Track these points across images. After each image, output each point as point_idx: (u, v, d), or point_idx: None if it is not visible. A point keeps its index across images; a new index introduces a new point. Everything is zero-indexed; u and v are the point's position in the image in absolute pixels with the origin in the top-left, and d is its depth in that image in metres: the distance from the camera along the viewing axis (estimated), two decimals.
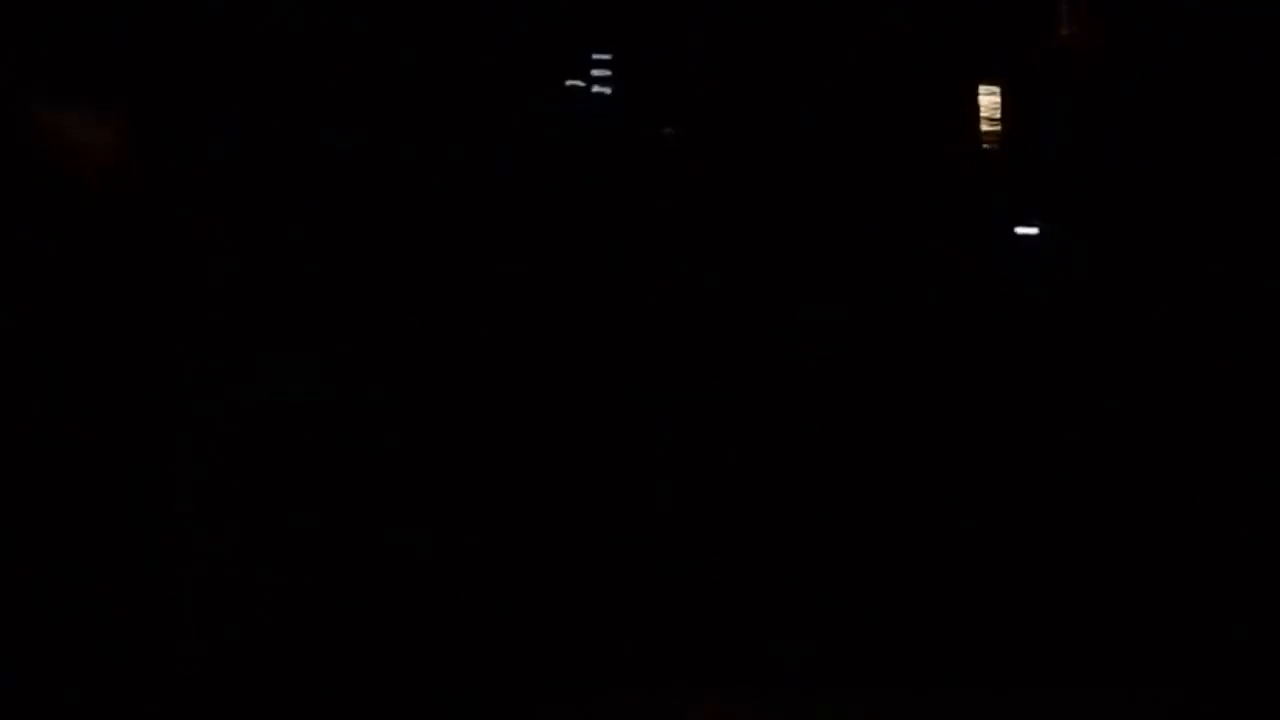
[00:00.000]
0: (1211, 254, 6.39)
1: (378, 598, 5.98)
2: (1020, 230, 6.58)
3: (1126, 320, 6.42)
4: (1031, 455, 6.38)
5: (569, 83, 6.63)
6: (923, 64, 6.58)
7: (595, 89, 6.63)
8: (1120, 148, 6.49)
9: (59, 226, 5.91)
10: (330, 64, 6.18)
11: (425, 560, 6.05)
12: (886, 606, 6.26)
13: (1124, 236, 6.49)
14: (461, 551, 6.12)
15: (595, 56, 6.65)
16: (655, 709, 5.86)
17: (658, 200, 6.55)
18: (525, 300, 6.38)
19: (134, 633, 5.73)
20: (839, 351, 6.47)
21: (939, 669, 6.10)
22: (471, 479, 6.19)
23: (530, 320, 6.37)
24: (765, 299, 6.50)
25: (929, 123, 6.60)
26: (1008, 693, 5.95)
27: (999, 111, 6.62)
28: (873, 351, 6.47)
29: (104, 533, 5.77)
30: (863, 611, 6.23)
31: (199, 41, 6.04)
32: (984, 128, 6.63)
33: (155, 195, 6.05)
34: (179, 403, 5.95)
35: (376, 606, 5.97)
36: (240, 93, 6.09)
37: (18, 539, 5.69)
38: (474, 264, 6.37)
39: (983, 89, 6.63)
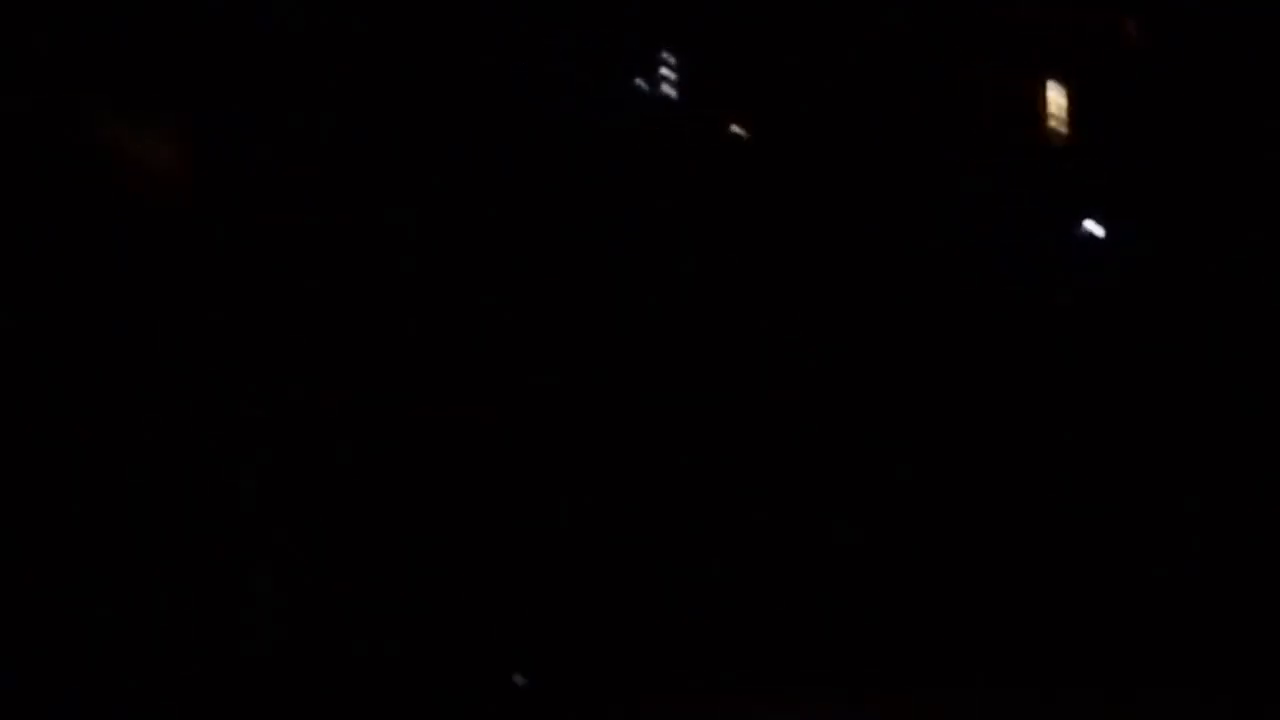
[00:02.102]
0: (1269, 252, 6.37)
1: (388, 601, 6.00)
2: (1083, 227, 6.58)
3: (1179, 318, 6.40)
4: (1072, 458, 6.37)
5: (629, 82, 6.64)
6: (990, 63, 6.58)
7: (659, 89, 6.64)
8: (1182, 147, 6.48)
9: (73, 230, 5.96)
10: (344, 66, 6.21)
11: (440, 565, 6.08)
12: (896, 609, 6.25)
13: (1185, 235, 6.48)
14: (473, 555, 6.15)
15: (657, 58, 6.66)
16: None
17: (718, 193, 6.56)
18: (551, 301, 6.39)
19: (146, 634, 5.77)
20: (885, 347, 6.46)
21: (945, 671, 6.09)
22: (487, 483, 6.21)
23: (558, 322, 6.39)
24: (828, 291, 6.49)
25: (994, 120, 6.60)
26: (1009, 692, 5.95)
27: (1065, 110, 6.62)
28: (923, 345, 6.47)
29: (114, 534, 5.81)
30: (872, 615, 6.23)
31: (205, 44, 6.09)
32: (1050, 125, 6.62)
33: (169, 200, 6.09)
34: (192, 407, 5.98)
35: (387, 610, 6.00)
36: (259, 96, 6.13)
37: (23, 539, 5.73)
38: (495, 264, 6.39)
39: (1049, 88, 6.62)
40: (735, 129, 6.73)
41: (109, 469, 5.84)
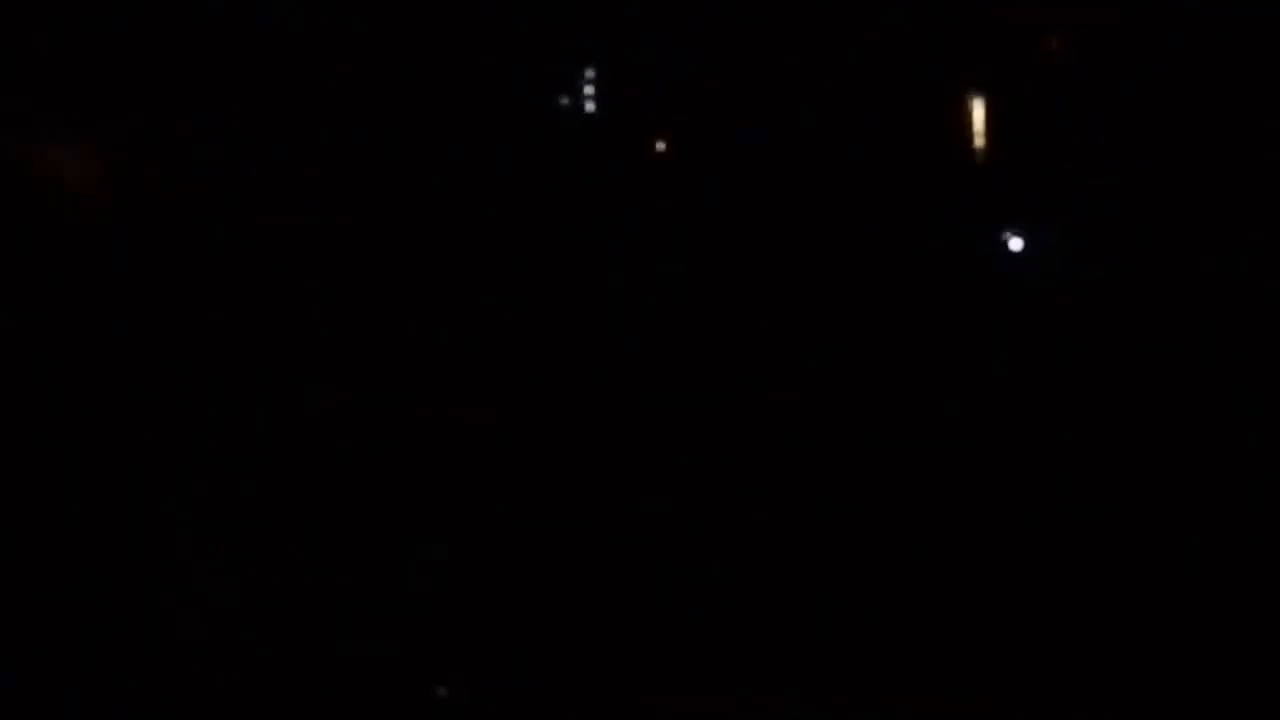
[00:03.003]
0: (1200, 260, 6.39)
1: (386, 601, 6.00)
2: (1007, 239, 6.59)
3: (1116, 329, 6.43)
4: (1016, 467, 6.39)
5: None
6: (910, 76, 6.59)
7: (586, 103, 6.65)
8: (1105, 156, 6.50)
9: (61, 231, 5.95)
10: (330, 65, 6.21)
11: (433, 567, 6.08)
12: (881, 613, 6.27)
13: (1108, 245, 6.50)
14: (469, 557, 6.16)
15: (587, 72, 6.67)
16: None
17: (647, 213, 6.58)
18: (527, 306, 6.40)
19: (135, 635, 5.75)
20: (833, 360, 6.48)
21: (948, 672, 6.11)
22: (477, 484, 6.22)
23: (533, 328, 6.40)
24: (760, 310, 6.52)
25: (916, 134, 6.61)
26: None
27: (984, 122, 6.62)
28: (867, 361, 6.48)
29: (104, 538, 5.80)
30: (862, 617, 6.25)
31: (200, 42, 6.08)
32: (971, 140, 6.63)
33: (155, 199, 6.08)
34: (179, 409, 5.97)
35: (385, 610, 6.00)
36: (241, 95, 6.12)
37: (21, 542, 5.72)
38: (474, 269, 6.40)
39: (970, 100, 6.63)
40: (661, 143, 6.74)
41: (105, 470, 5.85)
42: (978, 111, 6.66)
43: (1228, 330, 6.34)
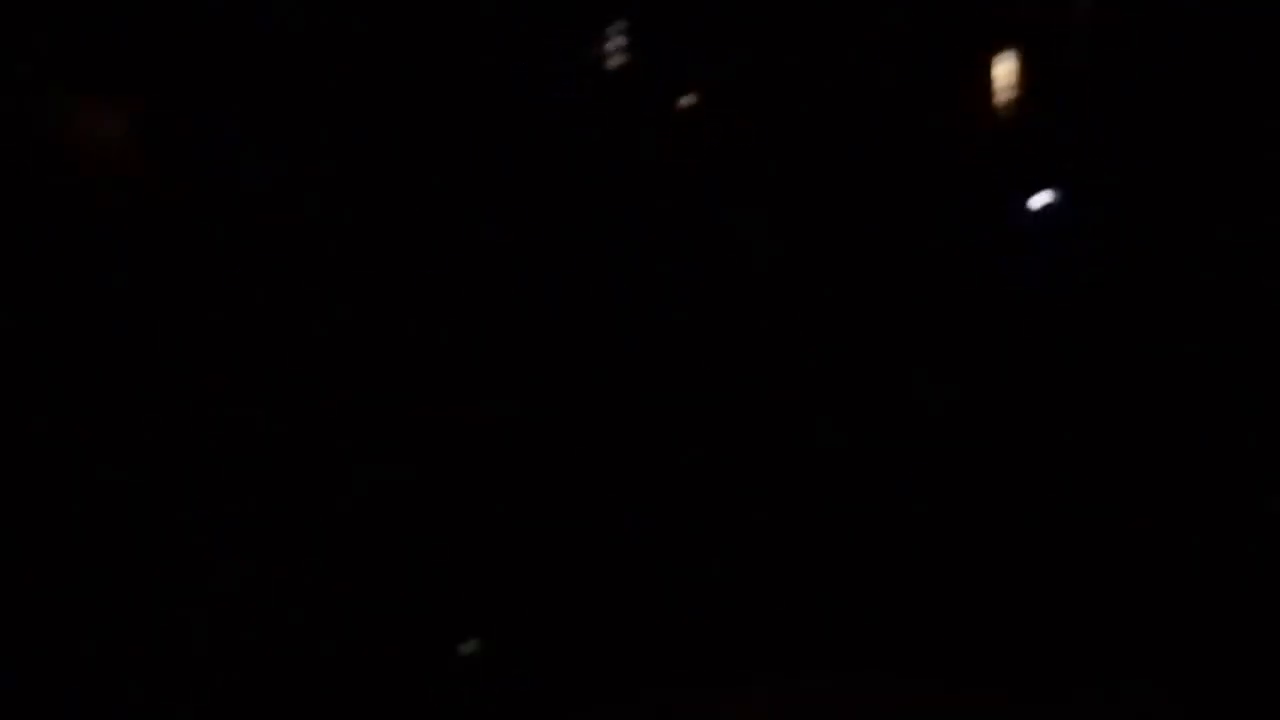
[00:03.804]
0: (1222, 232, 6.38)
1: (386, 602, 6.02)
2: (1033, 201, 6.55)
3: (1139, 301, 6.41)
4: (1037, 447, 6.37)
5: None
6: (939, 34, 6.56)
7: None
8: (1134, 120, 6.48)
9: (64, 228, 5.96)
10: (332, 62, 6.20)
11: (438, 562, 6.10)
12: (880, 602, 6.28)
13: (1137, 208, 6.47)
14: (474, 554, 6.17)
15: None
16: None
17: (667, 173, 6.55)
18: (533, 299, 6.41)
19: (141, 634, 5.77)
20: (836, 357, 6.48)
21: (948, 666, 6.12)
22: (479, 481, 6.23)
23: (543, 320, 6.40)
24: (780, 277, 6.50)
25: (945, 93, 6.58)
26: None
27: (1014, 80, 6.57)
28: (870, 355, 6.48)
29: (110, 536, 5.82)
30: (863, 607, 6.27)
31: (202, 41, 6.08)
32: (999, 97, 6.58)
33: (159, 198, 6.09)
34: (185, 406, 5.98)
35: (385, 610, 6.01)
36: (244, 92, 6.12)
37: (27, 542, 5.74)
38: (481, 260, 6.40)
39: (998, 58, 6.58)
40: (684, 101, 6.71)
41: (106, 470, 5.86)
42: (1000, 74, 6.63)
43: (1240, 320, 6.35)
